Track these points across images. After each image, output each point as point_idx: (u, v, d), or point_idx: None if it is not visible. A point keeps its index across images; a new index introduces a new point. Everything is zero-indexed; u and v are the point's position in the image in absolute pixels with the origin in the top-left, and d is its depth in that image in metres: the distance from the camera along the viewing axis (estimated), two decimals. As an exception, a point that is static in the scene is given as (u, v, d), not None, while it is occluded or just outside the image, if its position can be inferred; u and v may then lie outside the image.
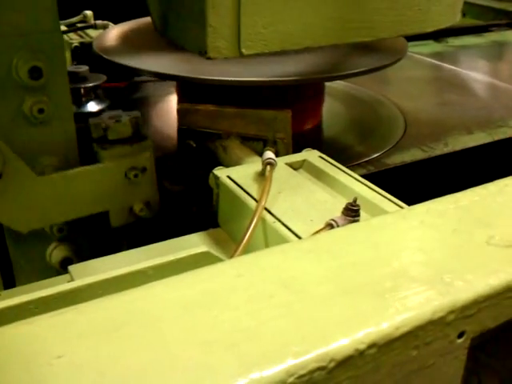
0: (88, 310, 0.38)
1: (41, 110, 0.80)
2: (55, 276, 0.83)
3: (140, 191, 0.87)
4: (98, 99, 0.97)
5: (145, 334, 0.36)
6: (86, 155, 0.86)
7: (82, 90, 0.96)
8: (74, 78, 0.96)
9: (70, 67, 0.98)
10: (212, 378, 0.33)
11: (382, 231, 0.48)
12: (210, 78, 0.98)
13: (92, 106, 0.96)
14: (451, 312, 0.39)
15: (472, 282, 0.41)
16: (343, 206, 0.66)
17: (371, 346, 0.36)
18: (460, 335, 0.41)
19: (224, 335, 0.36)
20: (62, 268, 0.86)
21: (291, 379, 0.33)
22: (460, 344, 0.41)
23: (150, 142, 0.87)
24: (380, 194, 0.74)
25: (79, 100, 0.96)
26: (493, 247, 0.45)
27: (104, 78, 0.99)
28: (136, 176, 0.85)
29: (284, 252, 0.45)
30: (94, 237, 0.91)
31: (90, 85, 0.96)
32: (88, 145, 0.86)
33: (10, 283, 0.90)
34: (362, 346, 0.36)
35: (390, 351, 0.37)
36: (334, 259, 0.43)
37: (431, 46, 1.96)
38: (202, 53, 0.75)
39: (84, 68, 0.98)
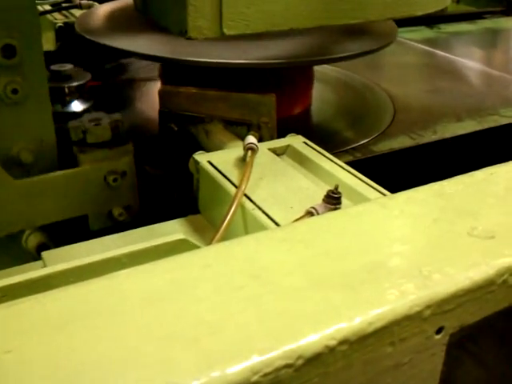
0: (44, 301, 0.36)
1: (15, 91, 0.77)
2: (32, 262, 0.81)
3: (119, 196, 0.85)
4: (82, 98, 0.94)
5: (102, 328, 0.34)
6: (67, 156, 0.84)
7: (66, 89, 0.93)
8: (58, 76, 0.94)
9: (54, 66, 0.95)
10: (169, 375, 0.31)
11: (361, 220, 0.46)
12: (194, 59, 0.95)
13: (76, 106, 0.94)
14: (429, 307, 0.37)
15: (451, 275, 0.39)
16: (325, 193, 0.64)
17: (342, 342, 0.34)
18: (438, 331, 0.39)
19: (186, 329, 0.34)
20: (38, 254, 0.84)
21: (256, 377, 0.31)
22: (438, 340, 0.39)
23: (130, 146, 0.84)
24: (364, 181, 0.72)
25: (63, 99, 0.93)
26: (475, 238, 0.43)
27: (88, 76, 0.96)
28: (115, 180, 0.82)
29: (257, 241, 0.42)
30: (70, 222, 0.88)
31: (74, 84, 0.94)
32: (68, 146, 0.84)
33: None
34: (333, 343, 0.34)
35: (363, 348, 0.35)
36: (307, 248, 0.41)
37: (423, 32, 1.93)
38: (183, 32, 0.73)
39: (68, 66, 0.95)
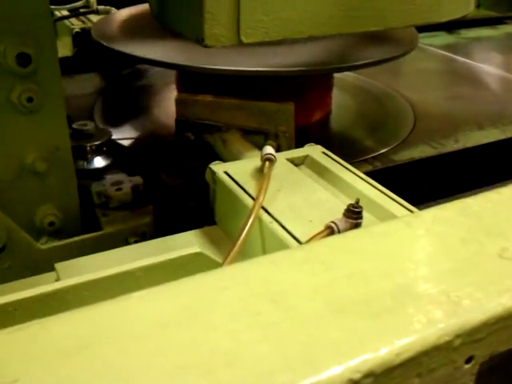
0: (51, 326, 0.35)
1: (30, 99, 0.76)
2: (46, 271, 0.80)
3: None
4: (103, 155, 0.96)
5: (111, 356, 0.32)
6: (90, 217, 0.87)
7: (88, 148, 0.94)
8: (80, 135, 0.96)
9: (75, 124, 0.97)
10: (183, 411, 0.29)
11: (384, 240, 0.43)
12: (211, 67, 0.94)
13: (98, 162, 0.95)
14: (458, 336, 0.35)
15: (482, 302, 0.37)
16: (345, 206, 0.62)
17: (368, 375, 0.32)
18: (468, 360, 0.36)
19: (201, 359, 0.32)
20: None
21: (275, 413, 0.30)
22: (467, 370, 0.37)
23: (150, 207, 0.86)
24: (385, 193, 0.70)
25: (85, 157, 0.95)
26: (506, 261, 0.41)
27: (110, 133, 0.98)
28: (136, 242, 0.83)
29: (275, 262, 0.40)
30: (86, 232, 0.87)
31: (96, 143, 0.95)
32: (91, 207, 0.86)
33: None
34: (357, 376, 0.31)
35: (389, 380, 0.33)
36: (328, 271, 0.39)
37: (443, 38, 1.90)
38: (199, 40, 0.71)
39: (90, 125, 0.96)
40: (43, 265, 0.79)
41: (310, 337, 0.33)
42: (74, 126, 0.96)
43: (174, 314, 0.36)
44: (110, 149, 0.97)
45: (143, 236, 0.85)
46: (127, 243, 0.84)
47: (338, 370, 0.31)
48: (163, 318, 0.35)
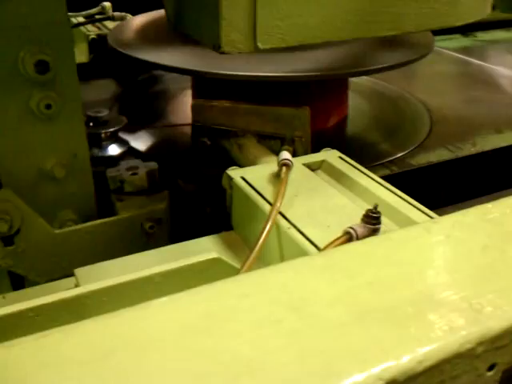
0: (74, 333, 0.35)
1: (48, 106, 0.76)
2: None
3: (155, 242, 0.85)
4: (118, 142, 0.96)
5: (135, 364, 0.32)
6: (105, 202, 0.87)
7: (103, 135, 0.95)
8: (95, 122, 0.96)
9: (91, 111, 0.97)
10: (207, 419, 0.29)
11: (404, 247, 0.43)
12: (227, 72, 0.94)
13: (113, 150, 0.95)
14: (481, 343, 0.35)
15: (504, 309, 0.37)
16: (363, 211, 0.62)
17: (390, 382, 0.32)
18: (490, 368, 0.36)
19: (222, 367, 0.32)
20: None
21: (297, 421, 0.30)
22: (490, 377, 0.37)
23: (165, 193, 0.86)
24: (402, 198, 0.70)
25: (100, 144, 0.95)
26: (528, 267, 0.40)
27: (124, 120, 0.98)
28: (152, 228, 0.84)
29: (295, 269, 0.41)
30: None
31: (111, 129, 0.95)
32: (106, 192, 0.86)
33: (19, 283, 0.88)
34: (380, 383, 0.31)
35: (411, 388, 0.33)
36: (349, 278, 0.39)
37: (459, 41, 1.89)
38: (216, 47, 0.71)
39: (104, 112, 0.96)
40: (58, 249, 0.80)
41: (332, 344, 0.33)
42: (89, 113, 0.96)
43: (195, 322, 0.36)
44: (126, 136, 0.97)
45: (159, 222, 0.84)
46: (142, 229, 0.84)
47: (360, 377, 0.31)
48: (184, 325, 0.36)
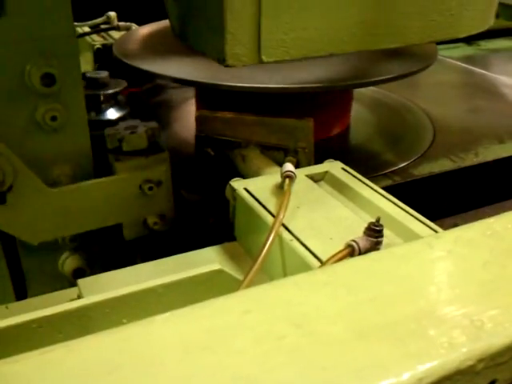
0: (79, 349, 0.35)
1: (54, 118, 0.77)
2: (68, 285, 0.81)
3: (154, 204, 0.84)
4: (117, 106, 0.94)
5: (138, 380, 0.33)
6: (102, 164, 0.84)
7: (102, 97, 0.93)
8: (94, 83, 0.93)
9: (90, 72, 0.95)
10: None
11: (406, 262, 0.44)
12: (231, 84, 0.94)
13: (111, 113, 0.93)
14: (482, 360, 0.35)
15: (505, 325, 0.37)
16: (366, 223, 0.62)
17: (390, 400, 0.32)
18: (491, 384, 0.37)
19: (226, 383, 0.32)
20: (74, 278, 0.84)
21: None
22: (490, 393, 0.37)
23: (166, 154, 0.84)
24: (405, 210, 0.70)
25: (98, 107, 0.92)
26: (529, 284, 0.41)
27: (124, 83, 0.96)
28: (151, 189, 0.82)
29: (297, 285, 0.41)
30: (107, 248, 0.88)
31: (110, 91, 0.93)
32: (104, 154, 0.84)
33: (22, 293, 0.88)
34: (380, 401, 0.32)
35: (412, 405, 0.33)
36: (351, 294, 0.40)
37: (462, 49, 1.90)
38: (221, 60, 0.72)
39: (104, 74, 0.95)
40: (52, 208, 0.78)
41: (334, 361, 0.34)
42: (88, 74, 0.94)
43: (198, 338, 0.36)
44: (127, 100, 0.94)
45: (158, 184, 0.82)
46: (141, 190, 0.82)
47: (362, 395, 0.31)
48: (187, 341, 0.36)
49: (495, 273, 0.42)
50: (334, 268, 0.45)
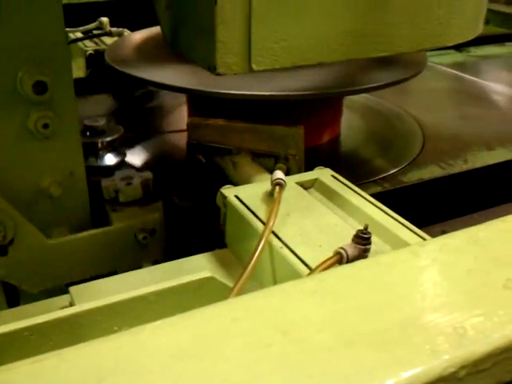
0: (70, 357, 0.36)
1: (46, 125, 0.78)
2: (60, 293, 0.81)
3: (149, 252, 0.86)
4: (115, 152, 0.97)
5: (128, 388, 0.33)
6: (99, 211, 0.87)
7: (99, 144, 0.96)
8: (92, 131, 0.96)
9: (87, 120, 0.97)
10: None
11: (392, 270, 0.44)
12: (221, 91, 0.95)
13: (109, 159, 0.96)
14: (464, 367, 0.36)
15: (487, 333, 0.38)
16: (355, 230, 0.63)
17: (375, 406, 0.33)
18: (473, 390, 0.37)
19: (214, 391, 0.33)
20: (66, 285, 0.85)
21: None
22: (473, 400, 0.38)
23: (160, 203, 0.87)
24: (393, 218, 0.71)
25: (96, 153, 0.96)
26: (511, 291, 0.42)
27: (121, 130, 0.99)
28: (145, 238, 0.84)
29: (285, 293, 0.42)
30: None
31: (108, 139, 0.96)
32: (100, 203, 0.86)
33: (14, 300, 0.88)
34: (365, 407, 0.33)
35: (396, 411, 0.34)
36: (338, 302, 0.40)
37: (452, 56, 1.91)
38: (212, 68, 0.73)
39: (101, 122, 0.97)
40: (52, 259, 0.80)
41: (320, 369, 0.35)
42: (86, 122, 0.97)
43: (187, 346, 0.37)
44: (123, 144, 0.97)
45: (152, 233, 0.85)
46: (136, 239, 0.84)
47: (347, 402, 0.32)
48: (177, 349, 0.37)
49: (479, 280, 0.43)
50: (322, 276, 0.46)
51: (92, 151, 0.94)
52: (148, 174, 0.87)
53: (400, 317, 0.39)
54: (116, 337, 0.38)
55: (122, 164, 0.97)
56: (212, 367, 0.35)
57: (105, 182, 0.86)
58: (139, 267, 0.85)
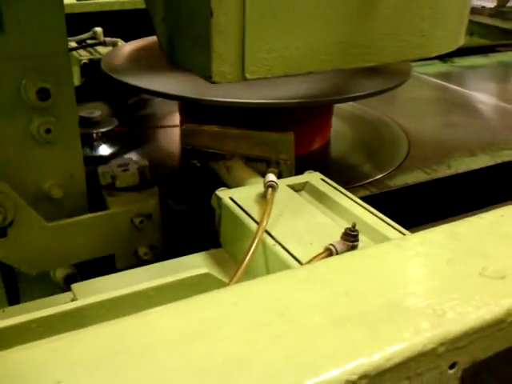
0: (85, 337, 0.39)
1: (48, 130, 0.81)
2: (59, 292, 0.84)
3: (145, 236, 0.89)
4: (109, 143, 1.00)
5: (138, 363, 0.37)
6: (96, 197, 0.89)
7: (94, 135, 0.98)
8: (87, 122, 0.99)
9: (83, 112, 1.00)
10: (204, 408, 0.34)
11: (377, 261, 0.48)
12: (216, 99, 0.99)
13: (104, 150, 0.99)
14: (442, 344, 0.40)
15: (464, 314, 0.42)
16: (343, 229, 0.67)
17: (362, 376, 0.37)
18: (451, 366, 0.41)
19: (217, 365, 0.37)
20: (66, 284, 0.88)
21: (282, 409, 0.34)
22: (451, 375, 0.42)
23: (156, 189, 0.89)
24: (379, 217, 0.75)
25: (91, 144, 0.98)
26: (486, 279, 0.46)
27: (116, 122, 1.02)
28: (141, 222, 0.87)
29: (280, 280, 0.46)
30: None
31: (102, 130, 0.99)
32: (97, 188, 0.89)
33: (14, 299, 0.91)
34: (354, 377, 0.36)
35: (382, 382, 0.38)
36: (328, 288, 0.44)
37: (437, 66, 1.97)
38: (207, 77, 0.76)
39: (96, 113, 1.00)
40: (50, 242, 0.83)
41: (313, 345, 0.38)
42: (81, 113, 0.99)
43: (191, 327, 0.41)
44: (117, 137, 0.99)
45: (148, 217, 0.87)
46: (132, 223, 0.87)
47: (337, 372, 0.36)
48: (182, 329, 0.40)
49: (457, 269, 0.47)
50: (313, 266, 0.50)
51: (87, 142, 0.97)
52: (144, 162, 0.90)
53: (384, 300, 0.43)
54: (125, 319, 0.42)
55: (117, 155, 0.99)
56: (214, 345, 0.39)
57: (102, 169, 0.88)
58: (136, 251, 0.89)
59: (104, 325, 0.42)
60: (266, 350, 0.38)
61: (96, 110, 1.02)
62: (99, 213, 0.86)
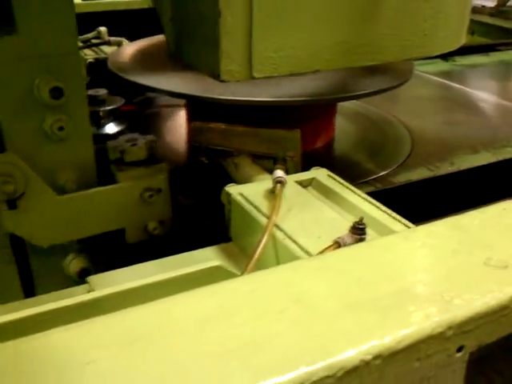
0: (110, 321, 0.42)
1: (61, 128, 0.83)
2: (73, 286, 0.86)
3: (154, 211, 0.91)
4: (116, 121, 1.01)
5: (160, 346, 0.39)
6: (105, 174, 0.91)
7: (101, 113, 1.00)
8: (93, 101, 1.00)
9: (90, 91, 1.02)
10: (226, 387, 0.36)
11: (386, 251, 0.51)
12: (223, 97, 1.01)
13: (110, 128, 1.00)
14: (450, 328, 0.42)
15: (470, 301, 0.44)
16: (350, 223, 0.69)
17: (377, 357, 0.39)
18: (459, 349, 0.44)
19: (236, 348, 0.39)
20: (80, 278, 0.90)
21: (302, 387, 0.36)
22: (459, 358, 0.44)
23: (165, 164, 0.91)
24: (386, 212, 0.77)
25: (98, 122, 0.99)
26: (490, 268, 0.48)
27: (122, 100, 1.03)
28: (151, 196, 0.88)
29: (294, 269, 0.48)
30: (110, 249, 0.94)
31: (109, 108, 1.00)
32: (106, 165, 0.90)
33: (29, 292, 0.93)
34: (368, 357, 0.39)
35: (394, 362, 0.40)
36: (340, 276, 0.46)
37: (439, 65, 1.99)
38: (215, 76, 0.79)
39: (103, 91, 1.02)
40: (60, 214, 0.84)
41: (328, 328, 0.41)
42: (88, 92, 1.00)
43: (210, 312, 0.43)
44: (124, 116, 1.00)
45: (158, 192, 0.89)
46: (142, 197, 0.88)
47: (353, 352, 0.38)
48: (201, 315, 0.43)
49: (462, 259, 0.49)
50: (324, 256, 0.52)
51: (94, 120, 0.98)
52: (151, 137, 0.91)
53: (394, 288, 0.45)
54: (146, 306, 0.44)
55: (124, 133, 0.99)
56: (233, 329, 0.41)
57: (110, 144, 0.90)
58: (145, 226, 0.90)
59: (126, 311, 0.44)
60: (283, 333, 0.40)
61: (102, 89, 1.03)
62: (109, 186, 0.88)
